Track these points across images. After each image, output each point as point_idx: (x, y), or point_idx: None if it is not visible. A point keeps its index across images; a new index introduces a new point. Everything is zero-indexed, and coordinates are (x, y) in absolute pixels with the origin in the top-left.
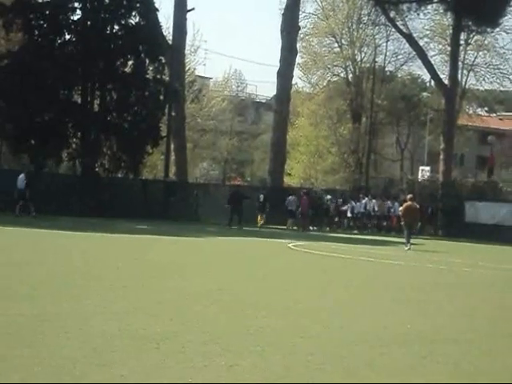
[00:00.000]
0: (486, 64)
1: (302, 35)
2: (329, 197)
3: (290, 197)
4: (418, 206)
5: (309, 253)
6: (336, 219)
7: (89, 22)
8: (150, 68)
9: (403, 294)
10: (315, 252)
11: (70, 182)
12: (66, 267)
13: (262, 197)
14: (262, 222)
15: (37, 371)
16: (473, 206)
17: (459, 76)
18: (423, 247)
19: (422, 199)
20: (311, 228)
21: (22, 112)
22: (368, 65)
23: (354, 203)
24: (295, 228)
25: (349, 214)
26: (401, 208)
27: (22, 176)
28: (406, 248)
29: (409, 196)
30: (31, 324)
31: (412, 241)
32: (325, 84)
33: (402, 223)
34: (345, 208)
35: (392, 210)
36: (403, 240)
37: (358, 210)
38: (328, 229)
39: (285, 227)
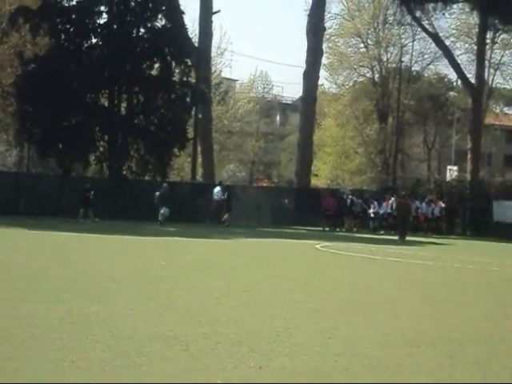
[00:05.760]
0: None
1: (327, 36)
2: (359, 201)
3: (357, 199)
4: (410, 202)
5: (336, 253)
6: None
7: (115, 26)
8: (177, 70)
9: (431, 294)
10: (342, 253)
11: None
12: (92, 270)
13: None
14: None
15: (65, 374)
16: (501, 206)
17: (486, 75)
18: (451, 247)
19: (449, 199)
20: (337, 229)
21: (49, 116)
22: (394, 65)
23: (376, 204)
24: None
25: (372, 215)
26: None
27: (218, 188)
28: (399, 241)
29: (403, 193)
30: (59, 327)
31: (440, 241)
32: (351, 84)
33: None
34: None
35: (419, 210)
36: (431, 240)
37: (383, 211)
38: (355, 229)
39: (313, 228)
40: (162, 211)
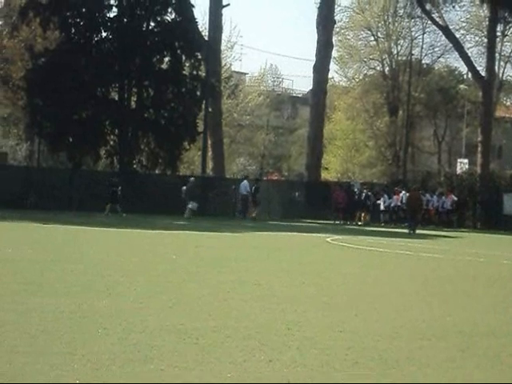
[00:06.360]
0: None
1: (337, 29)
2: (369, 194)
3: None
4: (420, 196)
5: (347, 247)
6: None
7: (125, 19)
8: (187, 64)
9: (442, 287)
10: (353, 246)
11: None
12: (103, 264)
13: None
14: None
15: (75, 368)
16: (511, 199)
17: (496, 68)
18: (462, 240)
19: (460, 192)
20: (347, 222)
21: (59, 110)
22: (404, 58)
23: (386, 197)
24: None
25: (382, 208)
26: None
27: (245, 182)
28: (410, 234)
29: (413, 186)
30: (69, 321)
31: (451, 234)
32: (361, 77)
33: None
34: (379, 202)
35: (430, 203)
36: (441, 233)
37: (394, 204)
38: (362, 222)
39: (324, 222)
40: (189, 206)
